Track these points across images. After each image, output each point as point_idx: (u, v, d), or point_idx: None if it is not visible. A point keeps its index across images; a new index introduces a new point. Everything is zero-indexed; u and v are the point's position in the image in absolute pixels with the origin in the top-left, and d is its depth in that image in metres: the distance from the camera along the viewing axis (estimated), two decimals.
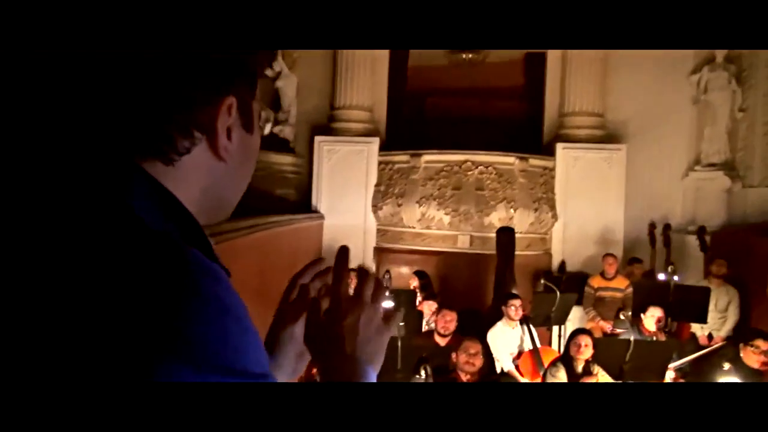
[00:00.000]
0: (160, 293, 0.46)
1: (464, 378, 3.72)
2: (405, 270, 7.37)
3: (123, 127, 0.55)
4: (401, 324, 3.99)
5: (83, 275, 0.46)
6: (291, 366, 0.86)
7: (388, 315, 0.79)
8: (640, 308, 5.20)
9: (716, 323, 5.80)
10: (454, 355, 3.73)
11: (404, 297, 5.62)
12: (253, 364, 0.50)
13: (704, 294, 5.43)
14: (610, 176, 7.23)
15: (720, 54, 7.17)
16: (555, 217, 7.25)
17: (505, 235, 6.22)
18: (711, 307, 5.56)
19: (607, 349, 4.23)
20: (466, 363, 3.61)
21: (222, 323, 0.48)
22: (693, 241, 6.79)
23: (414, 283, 6.47)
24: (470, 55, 8.27)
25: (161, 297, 0.46)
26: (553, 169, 7.31)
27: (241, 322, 0.50)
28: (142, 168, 0.55)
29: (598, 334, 5.66)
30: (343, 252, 0.78)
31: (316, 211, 7.41)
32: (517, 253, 6.27)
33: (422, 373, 2.57)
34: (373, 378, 0.75)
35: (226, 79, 0.59)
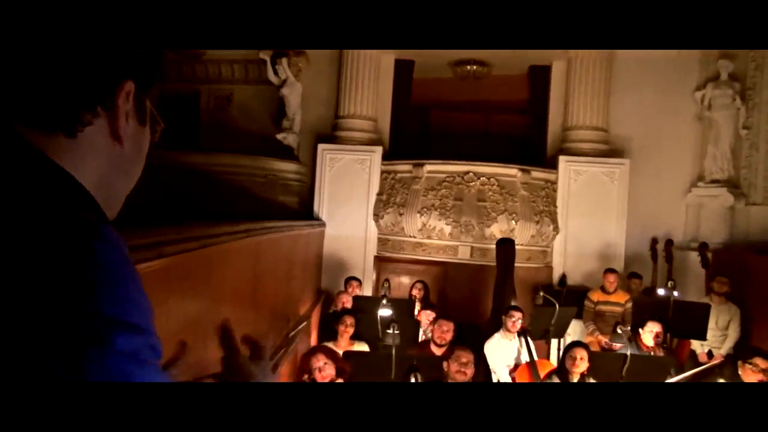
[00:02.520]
0: (62, 268, 0.50)
1: None
2: (405, 279, 7.36)
3: (32, 99, 0.59)
4: (396, 333, 3.98)
5: None
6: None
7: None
8: (638, 323, 5.16)
9: (717, 341, 5.75)
10: (445, 364, 3.70)
11: (402, 306, 5.61)
12: (145, 321, 0.56)
13: (704, 311, 5.39)
14: (613, 191, 7.20)
15: (725, 71, 7.17)
16: (556, 230, 7.23)
17: (505, 246, 6.19)
18: (712, 324, 5.52)
19: (602, 363, 4.20)
20: (458, 372, 3.58)
21: (122, 287, 0.54)
22: (695, 257, 6.74)
23: (418, 292, 6.46)
24: (475, 68, 8.25)
25: (63, 272, 0.50)
26: (555, 182, 7.29)
27: (136, 283, 0.57)
28: (30, 144, 0.59)
29: (596, 349, 5.62)
30: (226, 328, 0.99)
31: (317, 219, 7.42)
32: (517, 265, 6.25)
33: (412, 380, 2.55)
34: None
35: (125, 66, 0.65)
